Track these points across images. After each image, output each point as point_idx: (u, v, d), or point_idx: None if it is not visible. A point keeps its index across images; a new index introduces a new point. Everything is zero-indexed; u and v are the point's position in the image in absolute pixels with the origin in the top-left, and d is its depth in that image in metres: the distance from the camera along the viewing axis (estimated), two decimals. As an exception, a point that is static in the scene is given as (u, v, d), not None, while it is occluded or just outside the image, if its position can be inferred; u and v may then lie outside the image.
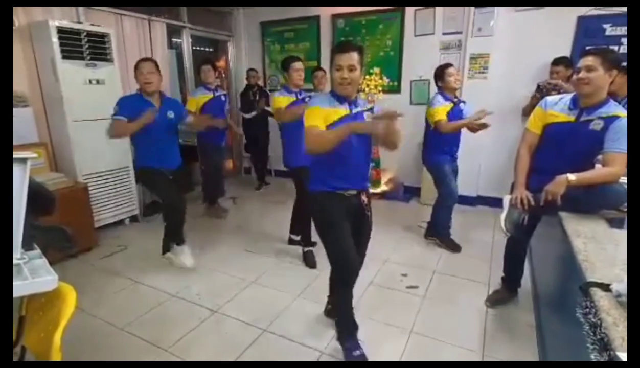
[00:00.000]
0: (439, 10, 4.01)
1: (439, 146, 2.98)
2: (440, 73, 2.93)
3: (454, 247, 3.07)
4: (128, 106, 2.44)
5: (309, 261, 2.83)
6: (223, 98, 3.74)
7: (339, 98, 1.71)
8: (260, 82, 4.97)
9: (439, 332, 2.05)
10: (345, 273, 1.80)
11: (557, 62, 3.34)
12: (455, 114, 2.92)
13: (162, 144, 2.57)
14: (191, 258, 2.77)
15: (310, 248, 2.90)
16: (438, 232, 3.15)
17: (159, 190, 2.67)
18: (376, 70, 4.26)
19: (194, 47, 4.87)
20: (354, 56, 1.62)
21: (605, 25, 3.36)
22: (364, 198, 1.83)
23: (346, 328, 1.92)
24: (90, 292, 2.40)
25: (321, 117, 1.65)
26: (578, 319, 1.01)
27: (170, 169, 2.64)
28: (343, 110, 1.71)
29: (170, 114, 2.59)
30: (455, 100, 2.97)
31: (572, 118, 1.80)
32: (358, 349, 1.85)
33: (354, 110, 1.73)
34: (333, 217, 1.75)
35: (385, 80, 4.26)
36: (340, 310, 1.97)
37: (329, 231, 1.77)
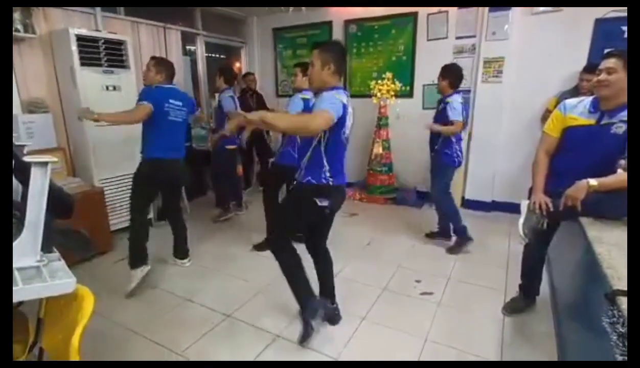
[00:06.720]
0: (452, 14, 3.98)
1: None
2: None
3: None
4: None
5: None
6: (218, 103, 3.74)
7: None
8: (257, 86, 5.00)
9: (455, 340, 2.00)
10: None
11: (588, 69, 2.97)
12: (440, 117, 2.97)
13: None
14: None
15: None
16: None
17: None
18: (388, 75, 4.24)
19: (207, 54, 4.94)
20: (313, 54, 1.84)
21: (623, 28, 3.28)
22: None
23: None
24: (105, 295, 2.43)
25: None
26: (604, 328, 0.98)
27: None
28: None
29: None
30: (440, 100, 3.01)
31: (592, 121, 1.75)
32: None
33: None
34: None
35: (398, 84, 4.24)
36: None
37: None
